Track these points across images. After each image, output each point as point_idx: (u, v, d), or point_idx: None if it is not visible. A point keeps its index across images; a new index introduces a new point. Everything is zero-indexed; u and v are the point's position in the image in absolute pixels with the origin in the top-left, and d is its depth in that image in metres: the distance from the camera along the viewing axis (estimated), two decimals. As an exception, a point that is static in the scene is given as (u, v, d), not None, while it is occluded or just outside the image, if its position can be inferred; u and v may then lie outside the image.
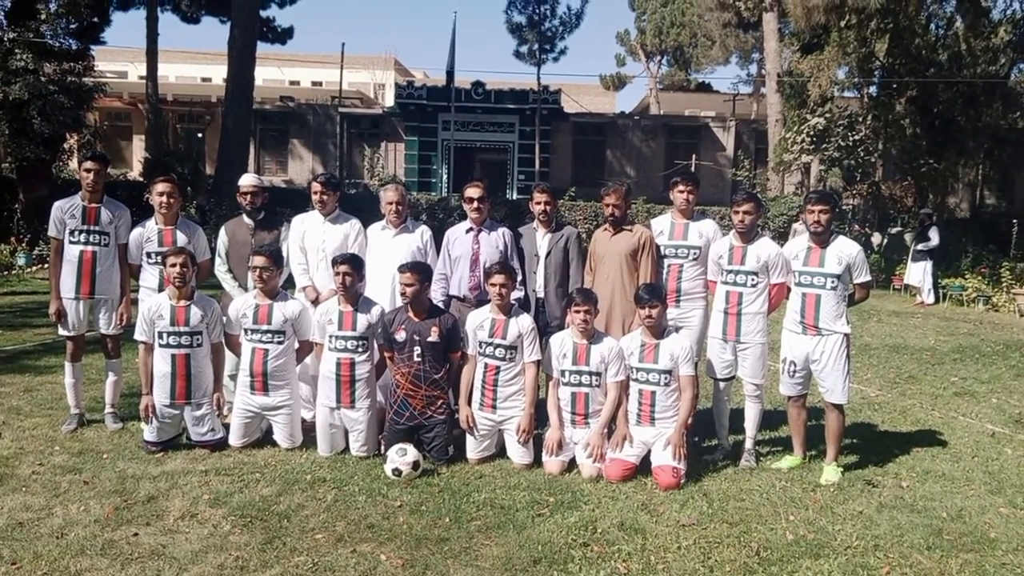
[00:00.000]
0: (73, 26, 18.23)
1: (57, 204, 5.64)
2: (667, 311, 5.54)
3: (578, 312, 5.11)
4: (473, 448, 5.28)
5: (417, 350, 5.16)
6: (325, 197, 5.80)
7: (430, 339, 5.16)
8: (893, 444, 5.95)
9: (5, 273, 14.86)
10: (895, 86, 19.91)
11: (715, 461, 5.47)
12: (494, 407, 5.23)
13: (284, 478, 4.84)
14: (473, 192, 5.76)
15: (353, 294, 5.26)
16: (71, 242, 5.58)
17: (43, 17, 16.01)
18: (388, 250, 5.76)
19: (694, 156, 28.24)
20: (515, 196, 28.78)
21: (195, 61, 43.99)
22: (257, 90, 34.66)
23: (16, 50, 15.64)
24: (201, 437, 5.30)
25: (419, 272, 5.18)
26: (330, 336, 5.26)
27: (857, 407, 7.08)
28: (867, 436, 6.22)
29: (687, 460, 5.06)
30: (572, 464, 5.19)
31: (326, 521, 4.25)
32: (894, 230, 19.95)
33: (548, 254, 5.77)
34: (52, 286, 5.66)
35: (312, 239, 5.80)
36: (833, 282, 5.12)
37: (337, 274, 5.21)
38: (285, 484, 4.74)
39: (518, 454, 5.21)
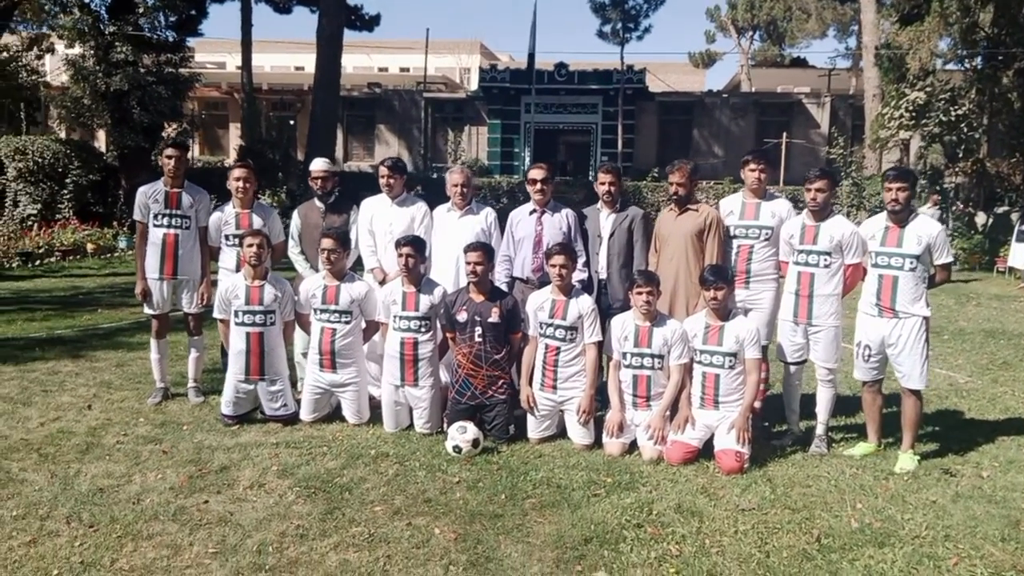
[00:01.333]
0: (171, 19, 19.04)
1: (141, 189, 5.94)
2: (736, 292, 5.44)
3: (640, 294, 5.05)
4: (534, 428, 5.31)
5: (478, 330, 5.21)
6: (392, 181, 5.90)
7: (491, 320, 5.20)
8: (978, 432, 5.66)
9: (108, 255, 15.73)
10: (1001, 58, 18.70)
11: (783, 447, 5.33)
12: (555, 387, 5.24)
13: (349, 452, 4.98)
14: (536, 174, 5.75)
15: (416, 275, 5.35)
16: (155, 225, 5.87)
17: (141, 11, 16.77)
18: (453, 232, 5.82)
19: (785, 134, 27.29)
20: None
21: (289, 51, 45.27)
22: (346, 77, 35.46)
23: (116, 43, 16.44)
24: (274, 412, 5.51)
25: (485, 251, 5.23)
26: (394, 316, 5.37)
27: (943, 393, 6.77)
28: (951, 424, 5.94)
29: (751, 444, 4.95)
30: (633, 447, 5.15)
31: (385, 494, 4.36)
32: (1000, 210, 18.84)
33: (612, 235, 5.71)
34: (138, 267, 5.98)
35: (380, 222, 5.92)
36: (912, 263, 4.89)
37: (400, 256, 5.30)
38: (349, 458, 4.89)
39: (578, 435, 5.21)
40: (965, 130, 18.17)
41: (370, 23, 33.97)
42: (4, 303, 10.31)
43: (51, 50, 23.07)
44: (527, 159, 29.75)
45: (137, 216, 5.94)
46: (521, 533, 3.95)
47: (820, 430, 5.34)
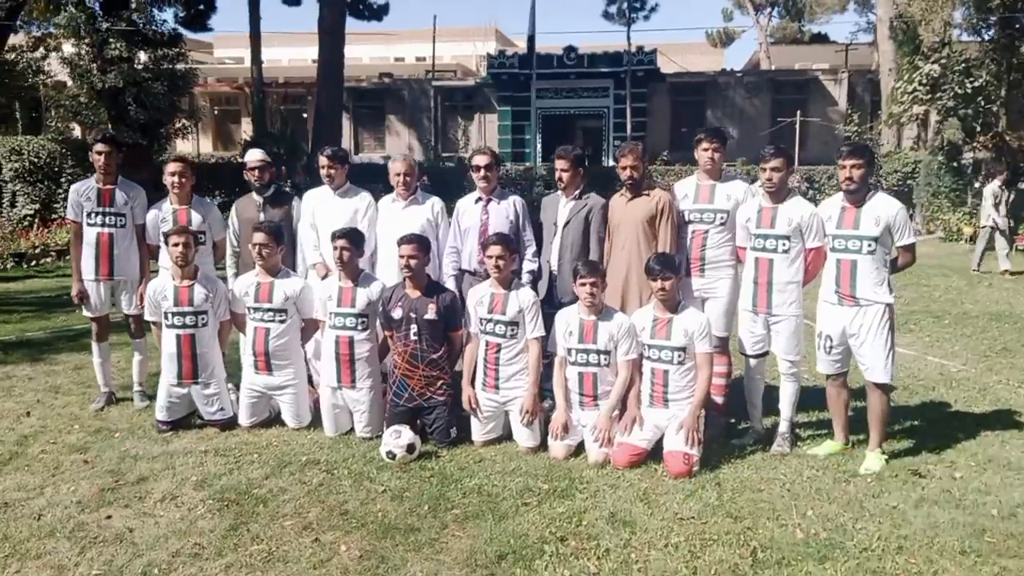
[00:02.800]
0: (180, 15, 18.88)
1: (73, 187, 5.72)
2: (692, 281, 5.12)
3: (583, 285, 4.74)
4: (478, 430, 5.02)
5: (414, 328, 4.92)
6: (332, 171, 5.63)
7: (427, 316, 4.92)
8: (960, 427, 5.28)
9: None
10: (1017, 26, 17.92)
11: (744, 446, 5.00)
12: (497, 387, 4.95)
13: (278, 459, 4.74)
14: (480, 160, 5.44)
15: (352, 269, 5.08)
16: (89, 224, 5.65)
17: (134, 6, 16.64)
18: (397, 223, 5.53)
19: (799, 112, 26.57)
20: (611, 163, 28.08)
21: (309, 43, 45.23)
22: (362, 68, 35.35)
23: (110, 39, 16.33)
24: (211, 416, 5.29)
25: (420, 244, 4.94)
26: (330, 313, 5.11)
27: (931, 384, 6.38)
28: (932, 418, 5.55)
29: (701, 445, 4.62)
30: (581, 449, 4.85)
31: (301, 507, 4.11)
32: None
33: (567, 224, 5.38)
34: (73, 268, 5.78)
35: (322, 214, 5.65)
36: (870, 245, 4.52)
37: (335, 248, 5.03)
38: (277, 466, 4.64)
39: (523, 437, 4.92)
40: (982, 103, 17.46)
41: (378, 12, 33.60)
42: (-16, 305, 10.23)
43: (57, 49, 23.08)
44: (538, 146, 29.36)
45: (70, 215, 5.73)
46: (433, 549, 3.67)
47: (783, 427, 5.00)
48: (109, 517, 3.98)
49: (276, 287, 5.19)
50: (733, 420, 5.38)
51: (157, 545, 3.69)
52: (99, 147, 5.62)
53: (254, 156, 5.78)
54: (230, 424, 5.29)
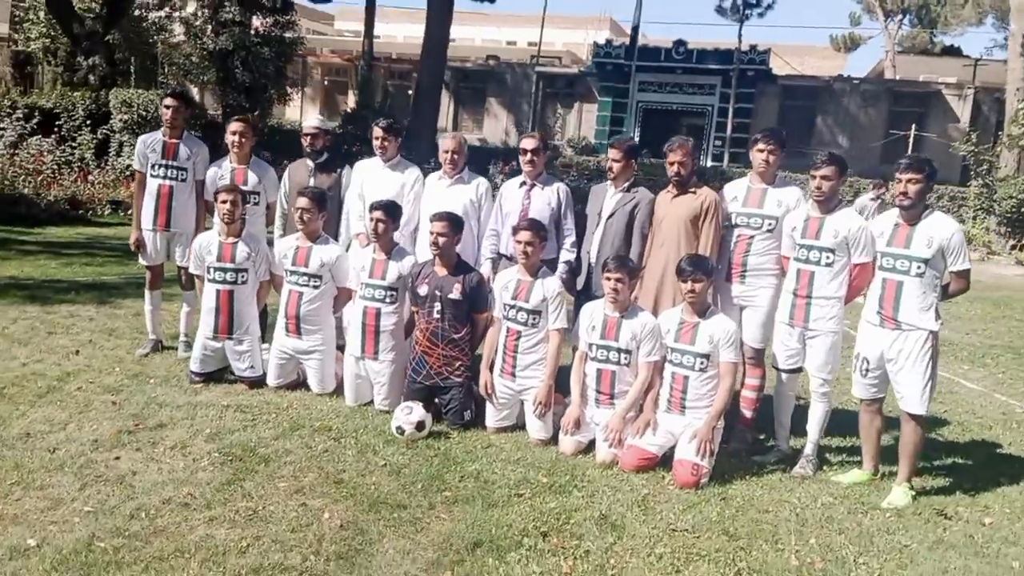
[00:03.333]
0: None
1: (141, 138, 5.96)
2: (731, 288, 4.93)
3: (608, 279, 4.61)
4: (492, 416, 4.98)
5: (437, 306, 4.92)
6: (386, 143, 5.66)
7: (451, 296, 4.90)
8: (1008, 471, 4.88)
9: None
10: None
11: (765, 464, 4.78)
12: (514, 375, 4.89)
13: (293, 422, 4.83)
14: (528, 143, 5.36)
15: (387, 242, 5.11)
16: (151, 175, 5.88)
17: (250, -28, 17.24)
18: (441, 200, 5.51)
19: (914, 126, 25.20)
20: (710, 163, 27.45)
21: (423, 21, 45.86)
22: (473, 49, 35.62)
23: (226, 2, 16.96)
24: (241, 372, 5.43)
25: (451, 222, 4.92)
26: (360, 283, 5.15)
27: (988, 422, 5.95)
28: (979, 458, 5.17)
29: (713, 457, 4.45)
30: (591, 447, 4.74)
31: (299, 470, 4.18)
32: None
33: (611, 216, 5.24)
34: (134, 217, 6.03)
35: (370, 186, 5.69)
36: (919, 267, 4.22)
37: (371, 220, 5.07)
38: (289, 428, 4.73)
39: (534, 428, 4.85)
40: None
41: (490, -6, 33.92)
42: (74, 247, 10.83)
43: (181, 9, 24.14)
44: (636, 139, 28.92)
45: (136, 165, 5.97)
46: (413, 528, 3.67)
47: (809, 449, 4.76)
48: (118, 458, 4.15)
49: (313, 253, 5.27)
50: (762, 436, 5.16)
51: (152, 490, 3.82)
52: (168, 101, 5.83)
53: (309, 123, 5.88)
54: (259, 382, 5.43)
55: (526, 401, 4.88)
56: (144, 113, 15.39)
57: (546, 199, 5.35)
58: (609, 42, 30.19)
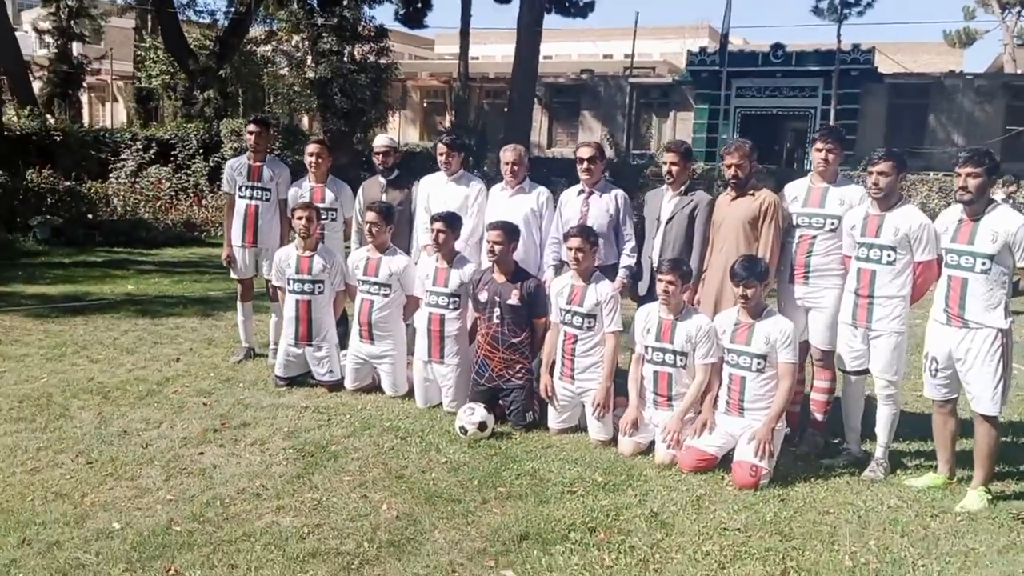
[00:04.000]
0: (374, 10, 20.25)
1: (228, 163, 6.42)
2: (795, 289, 4.88)
3: (660, 282, 4.66)
4: (554, 418, 5.09)
5: (497, 312, 5.08)
6: (450, 158, 5.89)
7: (510, 302, 5.05)
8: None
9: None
10: None
11: (833, 467, 4.68)
12: (572, 378, 4.98)
13: (364, 422, 5.08)
14: (584, 152, 5.47)
15: (448, 251, 5.32)
16: (240, 197, 6.32)
17: (346, 3, 18.05)
18: (503, 210, 5.67)
19: (1034, 121, 23.70)
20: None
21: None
22: (570, 64, 35.90)
23: (324, 34, 17.85)
24: (321, 377, 5.75)
25: (506, 231, 5.08)
26: (426, 291, 5.38)
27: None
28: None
29: (773, 459, 4.40)
30: (651, 448, 4.77)
31: (365, 465, 4.41)
32: None
33: (670, 219, 5.27)
34: (225, 235, 6.49)
35: (436, 199, 5.92)
36: (984, 263, 4.07)
37: (432, 231, 5.30)
38: (360, 427, 4.98)
39: (594, 429, 4.92)
40: None
41: (583, 9, 33.93)
42: (186, 266, 11.62)
43: (287, 42, 25.46)
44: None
45: (225, 187, 6.44)
46: (464, 521, 3.82)
47: (879, 453, 4.64)
48: (202, 453, 4.49)
49: (383, 263, 5.54)
50: (836, 440, 5.05)
51: (229, 482, 4.13)
52: (251, 127, 6.26)
53: (380, 142, 6.18)
54: (337, 386, 5.73)
55: (586, 403, 4.96)
56: (252, 141, 16.31)
57: (604, 206, 5.44)
58: (703, 49, 29.78)
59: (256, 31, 25.61)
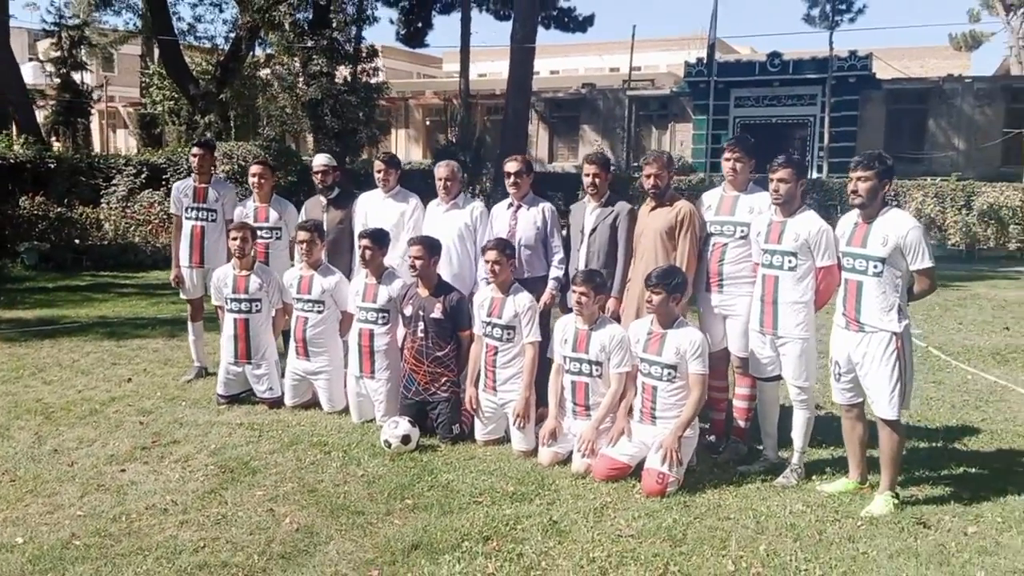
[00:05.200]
0: (364, 32, 20.57)
1: (175, 185, 6.59)
2: (711, 297, 4.94)
3: (573, 293, 4.73)
4: (480, 430, 5.16)
5: (421, 325, 5.16)
6: (387, 175, 6.01)
7: (433, 315, 5.14)
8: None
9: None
10: None
11: (748, 473, 4.71)
12: (495, 389, 5.05)
13: (293, 438, 5.16)
14: (511, 166, 5.57)
15: (376, 267, 5.41)
16: (186, 218, 6.47)
17: (334, 25, 18.33)
18: (438, 225, 5.78)
19: (1032, 124, 23.49)
20: (816, 174, 26.60)
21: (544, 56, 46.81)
22: (574, 79, 36.01)
23: (314, 56, 18.14)
24: (261, 394, 5.86)
25: (426, 246, 5.17)
26: (356, 307, 5.48)
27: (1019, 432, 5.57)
28: (1000, 467, 4.88)
29: (681, 467, 4.44)
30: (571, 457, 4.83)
31: (281, 480, 4.49)
32: None
33: (593, 230, 5.36)
34: (173, 256, 6.63)
35: (373, 216, 6.04)
36: (876, 267, 4.11)
37: (359, 247, 5.40)
38: (288, 443, 5.07)
39: (516, 439, 4.99)
40: None
41: (583, 24, 34.28)
42: (167, 288, 11.55)
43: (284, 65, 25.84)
44: (734, 156, 28.35)
45: (172, 209, 6.60)
46: (362, 532, 3.88)
47: (795, 459, 4.67)
48: (123, 470, 4.60)
49: (315, 280, 5.65)
50: (760, 447, 5.06)
51: (141, 498, 4.22)
52: (195, 150, 6.42)
53: (318, 161, 6.31)
54: (277, 403, 5.83)
55: (508, 414, 5.02)
56: (243, 163, 16.54)
57: (532, 219, 5.52)
58: (700, 60, 29.83)
59: (259, 54, 26.08)
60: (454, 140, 24.08)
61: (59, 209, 13.97)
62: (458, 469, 4.71)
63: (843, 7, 24.39)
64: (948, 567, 3.60)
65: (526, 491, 4.39)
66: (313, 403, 5.84)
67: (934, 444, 5.31)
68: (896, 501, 4.22)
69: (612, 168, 5.40)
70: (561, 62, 47.53)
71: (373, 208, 6.06)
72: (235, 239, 5.73)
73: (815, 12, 24.64)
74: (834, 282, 4.44)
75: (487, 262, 4.97)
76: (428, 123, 36.03)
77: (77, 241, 13.54)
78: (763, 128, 28.83)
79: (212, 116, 22.30)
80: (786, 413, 4.83)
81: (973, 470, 4.82)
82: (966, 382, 6.93)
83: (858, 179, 4.12)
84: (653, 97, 31.23)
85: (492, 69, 44.85)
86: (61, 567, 3.48)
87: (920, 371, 7.23)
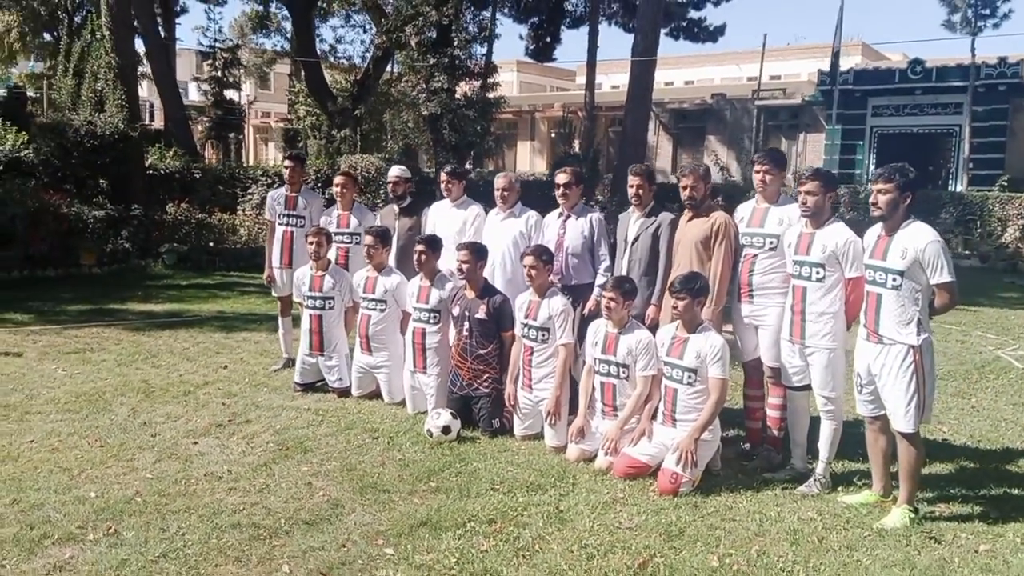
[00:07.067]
0: (483, 50, 21.21)
1: (270, 194, 7.27)
2: (741, 307, 5.04)
3: (603, 298, 4.94)
4: (518, 425, 5.45)
5: (466, 325, 5.51)
6: (450, 186, 6.42)
7: (477, 316, 5.47)
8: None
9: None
10: None
11: (773, 481, 4.75)
12: (531, 387, 5.33)
13: (349, 423, 5.63)
14: (560, 178, 5.83)
15: (430, 270, 5.82)
16: (279, 223, 7.14)
17: (456, 43, 19.08)
18: (496, 232, 6.12)
19: None
20: (960, 187, 25.10)
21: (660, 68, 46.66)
22: (710, 88, 35.55)
23: (435, 73, 18.96)
24: (332, 384, 6.40)
25: (473, 251, 5.52)
26: (412, 307, 5.90)
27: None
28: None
29: (696, 468, 4.55)
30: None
31: (326, 458, 4.95)
32: None
33: (636, 239, 5.54)
34: (266, 257, 7.32)
35: (440, 223, 6.46)
36: (895, 279, 4.09)
37: (416, 252, 5.82)
38: (343, 427, 5.54)
39: (548, 435, 5.24)
40: None
41: (714, 34, 33.85)
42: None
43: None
44: (871, 166, 27.14)
45: (267, 215, 7.29)
46: (382, 508, 4.26)
47: (820, 469, 4.67)
48: (195, 443, 5.20)
49: (379, 282, 6.13)
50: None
51: (203, 467, 4.78)
52: (286, 163, 7.10)
53: (392, 173, 6.80)
54: (345, 392, 6.34)
55: (543, 411, 5.28)
56: (367, 175, 17.55)
57: (580, 228, 5.76)
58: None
59: (393, 72, 27.50)
60: (570, 151, 24.31)
61: (200, 215, 15.36)
62: (489, 459, 5.01)
63: (986, 12, 22.84)
64: (945, 581, 3.57)
65: (544, 482, 4.64)
66: (376, 394, 6.31)
67: (986, 464, 5.13)
68: (913, 515, 4.17)
69: (655, 180, 5.56)
70: (695, 72, 46.92)
71: (440, 216, 6.49)
72: (311, 243, 6.30)
73: (956, 18, 23.18)
74: (862, 294, 4.42)
75: (525, 267, 5.26)
76: (553, 135, 36.57)
77: (211, 244, 14.82)
78: (903, 138, 27.42)
79: (347, 131, 23.71)
80: (817, 423, 4.83)
81: (1016, 491, 4.67)
82: (1052, 406, 6.53)
83: (878, 191, 4.13)
84: (783, 107, 30.34)
85: (625, 81, 44.97)
86: (120, 518, 4.05)
87: (1004, 392, 6.93)
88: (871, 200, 4.18)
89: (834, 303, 4.52)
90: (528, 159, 34.96)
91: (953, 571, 3.66)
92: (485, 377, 5.52)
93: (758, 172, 4.93)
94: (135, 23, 18.42)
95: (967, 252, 19.07)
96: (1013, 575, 3.61)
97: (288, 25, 29.83)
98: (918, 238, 4.05)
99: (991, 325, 10.22)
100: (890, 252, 4.13)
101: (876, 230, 4.30)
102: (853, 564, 3.71)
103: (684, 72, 47.00)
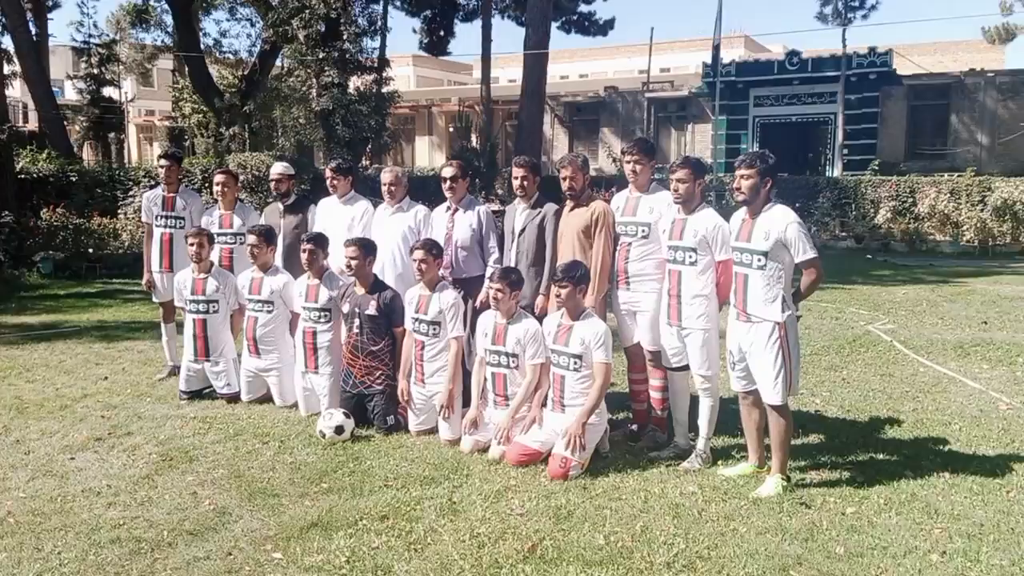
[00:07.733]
0: (375, 44, 21.04)
1: (145, 195, 7.01)
2: (619, 295, 5.18)
3: (490, 289, 5.00)
4: (412, 421, 5.45)
5: (356, 322, 5.48)
6: (336, 182, 6.34)
7: (368, 312, 5.44)
8: (929, 465, 4.78)
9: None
10: None
11: (658, 459, 4.93)
12: (424, 382, 5.34)
13: (238, 429, 5.50)
14: (447, 172, 5.86)
15: (317, 268, 5.74)
16: (156, 226, 6.89)
17: (345, 36, 18.84)
18: (384, 227, 6.10)
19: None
20: (836, 173, 26.44)
21: (553, 62, 47.14)
22: (603, 81, 36.17)
23: (326, 67, 18.65)
24: (220, 390, 6.22)
25: (361, 247, 5.49)
26: (300, 307, 5.82)
27: (952, 417, 5.72)
28: (911, 453, 5.03)
29: (584, 451, 4.67)
30: (491, 445, 5.09)
31: (214, 467, 4.82)
32: None
33: (523, 231, 5.62)
34: (145, 261, 7.05)
35: (327, 220, 6.38)
36: (760, 260, 4.31)
37: (303, 251, 5.73)
38: (232, 434, 5.41)
39: (443, 429, 5.27)
40: None
41: (604, 28, 34.63)
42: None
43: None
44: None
45: (143, 218, 7.02)
46: (270, 512, 4.19)
47: (700, 445, 4.87)
48: (72, 458, 4.98)
49: (265, 282, 6.00)
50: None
51: (81, 482, 4.58)
52: (162, 162, 6.85)
53: (275, 170, 6.67)
54: (235, 398, 6.19)
55: (435, 405, 5.30)
56: (257, 173, 17.09)
57: (468, 221, 5.80)
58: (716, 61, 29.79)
59: (282, 67, 26.81)
60: (468, 146, 24.37)
61: (78, 220, 14.61)
62: (383, 456, 5.00)
63: (855, 3, 24.18)
64: (812, 543, 3.80)
65: (438, 475, 4.67)
66: (267, 398, 6.18)
67: (854, 432, 5.46)
68: (786, 483, 4.41)
69: (539, 172, 5.66)
70: (589, 66, 47.76)
71: (327, 213, 6.40)
72: (192, 244, 6.11)
73: (827, 10, 24.44)
74: (732, 275, 4.64)
75: (415, 261, 5.26)
76: (451, 130, 36.52)
77: (91, 250, 14.13)
78: (784, 127, 28.73)
79: (236, 128, 23.01)
80: (696, 402, 5.03)
81: (881, 456, 4.99)
82: (915, 374, 7.01)
83: (741, 177, 4.33)
84: (672, 99, 31.26)
85: (520, 75, 45.31)
86: (-10, 541, 3.85)
87: (873, 364, 7.39)
88: (734, 185, 4.39)
89: (707, 285, 4.73)
90: (427, 154, 34.79)
91: (822, 533, 3.89)
92: (378, 374, 5.49)
93: (628, 162, 5.09)
94: (1, 19, 17.35)
95: (843, 234, 20.18)
96: (877, 535, 3.86)
97: (169, 19, 28.69)
98: (779, 220, 4.28)
99: (864, 302, 10.86)
100: (754, 234, 4.34)
101: (740, 214, 4.52)
102: (730, 533, 3.90)
103: (578, 66, 47.76)
